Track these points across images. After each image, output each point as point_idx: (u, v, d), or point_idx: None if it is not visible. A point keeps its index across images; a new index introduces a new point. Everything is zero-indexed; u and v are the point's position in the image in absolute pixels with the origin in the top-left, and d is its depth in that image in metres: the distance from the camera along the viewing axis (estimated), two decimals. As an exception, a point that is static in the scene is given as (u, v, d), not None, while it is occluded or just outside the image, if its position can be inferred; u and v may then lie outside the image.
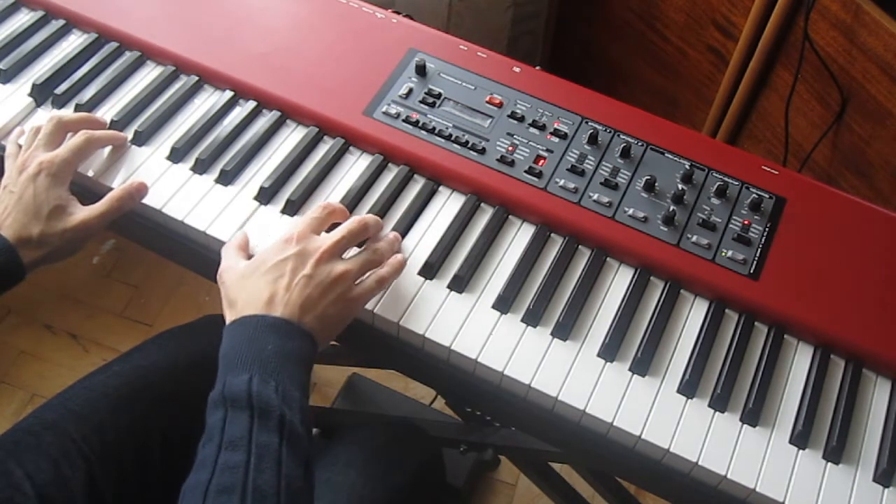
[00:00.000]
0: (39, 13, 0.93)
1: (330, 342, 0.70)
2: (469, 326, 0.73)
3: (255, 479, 0.55)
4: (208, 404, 0.61)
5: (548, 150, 0.84)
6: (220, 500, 0.54)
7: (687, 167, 0.83)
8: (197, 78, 0.89)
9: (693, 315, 0.77)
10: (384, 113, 0.85)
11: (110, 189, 0.79)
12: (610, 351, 0.73)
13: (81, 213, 0.74)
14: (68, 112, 0.84)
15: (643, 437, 0.69)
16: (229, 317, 0.66)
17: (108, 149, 0.82)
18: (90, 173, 0.81)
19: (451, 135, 0.84)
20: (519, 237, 0.80)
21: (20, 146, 0.78)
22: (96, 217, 0.75)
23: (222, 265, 0.71)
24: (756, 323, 0.77)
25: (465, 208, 0.81)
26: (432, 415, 1.42)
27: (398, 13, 0.95)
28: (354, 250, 0.74)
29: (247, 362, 0.61)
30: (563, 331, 0.74)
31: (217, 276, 0.71)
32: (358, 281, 0.71)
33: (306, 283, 0.66)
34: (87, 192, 0.82)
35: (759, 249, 0.79)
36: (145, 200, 0.79)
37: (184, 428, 0.77)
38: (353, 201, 0.80)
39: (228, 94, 0.87)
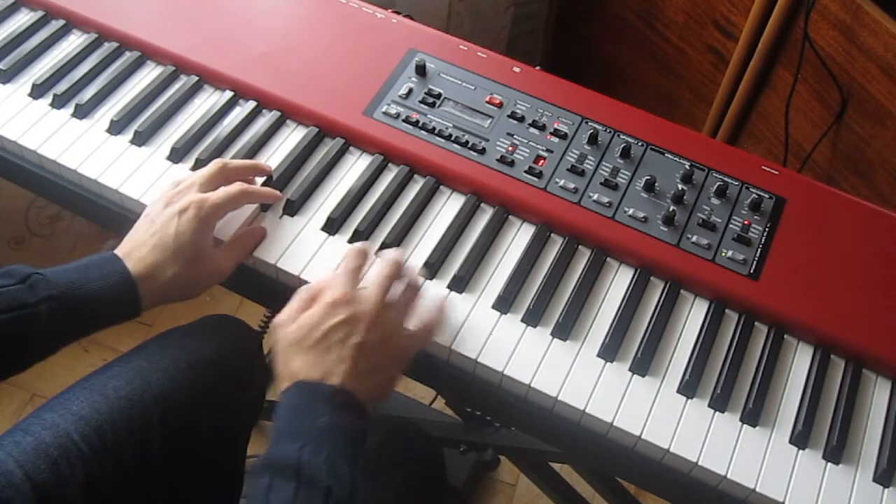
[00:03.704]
0: (39, 13, 0.93)
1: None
2: (469, 326, 0.73)
3: None
4: (252, 470, 0.59)
5: (548, 150, 0.84)
6: None
7: (687, 167, 0.83)
8: (197, 78, 0.89)
9: (693, 315, 0.77)
10: (384, 113, 0.85)
11: (101, 192, 0.79)
12: (610, 351, 0.73)
13: (218, 260, 0.74)
14: (235, 160, 0.80)
15: (643, 437, 0.69)
16: (285, 379, 0.65)
17: (101, 143, 0.82)
18: (89, 172, 0.81)
19: (451, 135, 0.84)
20: (519, 237, 0.80)
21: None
22: (231, 265, 0.75)
23: (282, 316, 0.68)
24: (756, 323, 0.77)
25: (465, 208, 0.81)
26: (432, 415, 1.41)
27: (398, 13, 0.95)
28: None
29: (299, 432, 0.59)
30: (563, 331, 0.74)
31: (274, 323, 0.69)
32: (408, 328, 0.70)
33: (359, 350, 0.65)
34: (86, 191, 0.82)
35: (759, 249, 0.79)
36: (145, 199, 0.79)
37: (184, 428, 0.77)
38: (352, 201, 0.80)
39: (228, 94, 0.87)
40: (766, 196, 0.82)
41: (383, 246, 0.77)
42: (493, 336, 0.73)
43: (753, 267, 0.78)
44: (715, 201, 0.82)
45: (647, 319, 0.76)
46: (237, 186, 0.76)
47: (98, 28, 0.92)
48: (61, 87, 0.87)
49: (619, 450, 0.71)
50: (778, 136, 1.34)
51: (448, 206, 0.82)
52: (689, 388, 0.72)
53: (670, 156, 0.84)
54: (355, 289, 0.68)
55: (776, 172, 0.84)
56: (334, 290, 0.67)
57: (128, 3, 0.92)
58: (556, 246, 0.80)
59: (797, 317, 0.76)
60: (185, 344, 0.83)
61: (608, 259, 0.79)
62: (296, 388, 0.63)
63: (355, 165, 0.84)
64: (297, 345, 0.66)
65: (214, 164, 0.77)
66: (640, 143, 0.85)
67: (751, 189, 0.83)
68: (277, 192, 0.79)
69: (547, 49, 1.85)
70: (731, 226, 0.80)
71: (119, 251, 0.71)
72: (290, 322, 0.67)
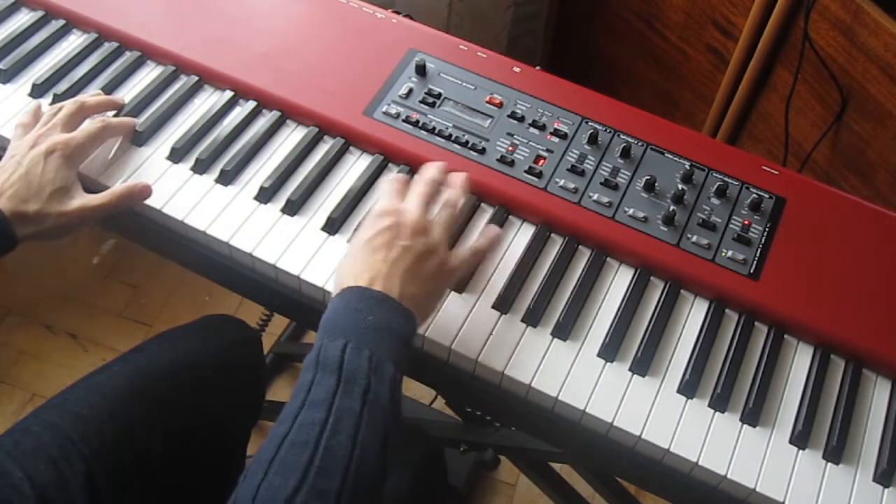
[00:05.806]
0: (39, 13, 0.93)
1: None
2: (469, 327, 0.73)
3: (329, 438, 0.55)
4: (303, 366, 0.61)
5: (548, 150, 0.84)
6: (293, 452, 0.54)
7: (687, 167, 0.83)
8: (197, 78, 0.89)
9: (693, 315, 0.77)
10: (384, 113, 0.85)
11: (106, 188, 0.79)
12: (610, 351, 0.73)
13: (80, 200, 0.75)
14: (89, 96, 0.84)
15: (643, 437, 0.69)
16: (335, 290, 0.67)
17: (111, 148, 0.83)
18: (89, 172, 0.81)
19: (451, 135, 0.84)
20: (519, 237, 0.80)
21: (35, 120, 0.79)
22: (93, 207, 0.75)
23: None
24: (756, 323, 0.77)
25: (465, 208, 0.81)
26: (432, 415, 1.42)
27: (398, 13, 0.95)
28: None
29: (345, 330, 0.61)
30: (563, 331, 0.74)
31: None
32: (453, 251, 0.71)
33: (403, 253, 0.67)
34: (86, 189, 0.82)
35: (759, 249, 0.79)
36: (146, 200, 0.79)
37: (184, 428, 0.77)
38: (352, 201, 0.80)
39: (228, 94, 0.87)
40: (766, 196, 0.82)
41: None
42: (494, 336, 0.73)
43: (753, 267, 0.78)
44: (715, 201, 0.82)
45: (647, 319, 0.76)
46: (98, 123, 0.79)
47: (98, 28, 0.92)
48: (61, 86, 0.87)
49: (620, 450, 0.71)
50: (778, 136, 1.34)
51: (448, 206, 0.82)
52: (689, 387, 0.72)
53: (670, 156, 0.84)
54: (398, 200, 0.71)
55: (776, 172, 0.84)
56: (380, 203, 0.71)
57: (128, 3, 0.92)
58: (556, 246, 0.80)
59: (797, 317, 0.76)
60: (184, 344, 0.84)
61: (608, 259, 0.79)
62: (342, 293, 0.65)
63: (355, 165, 0.84)
64: (350, 255, 0.69)
65: (74, 104, 0.80)
66: (640, 143, 0.85)
67: (751, 189, 0.83)
68: (133, 120, 0.84)
69: (547, 49, 1.85)
70: (731, 226, 0.80)
71: None
72: None
